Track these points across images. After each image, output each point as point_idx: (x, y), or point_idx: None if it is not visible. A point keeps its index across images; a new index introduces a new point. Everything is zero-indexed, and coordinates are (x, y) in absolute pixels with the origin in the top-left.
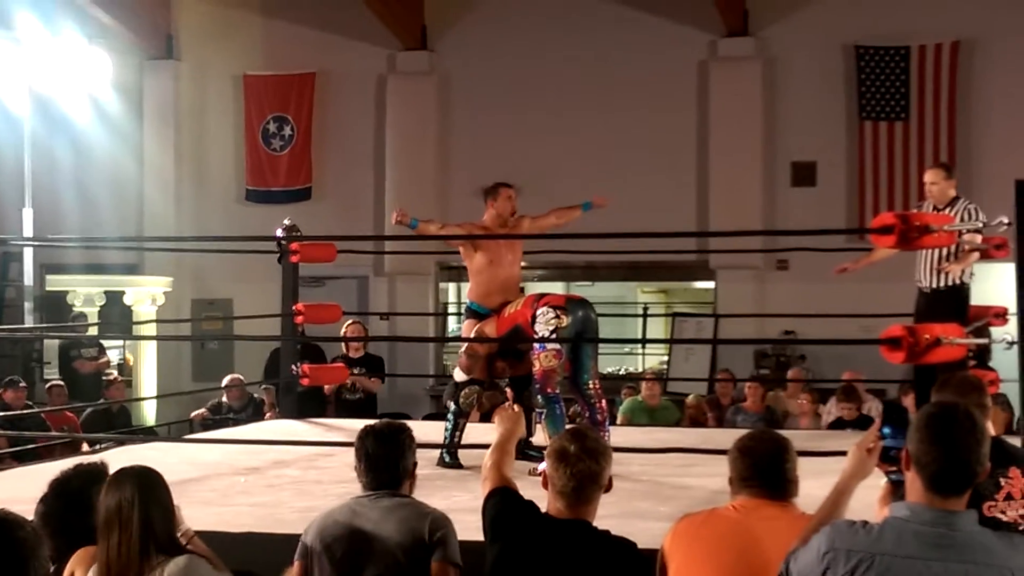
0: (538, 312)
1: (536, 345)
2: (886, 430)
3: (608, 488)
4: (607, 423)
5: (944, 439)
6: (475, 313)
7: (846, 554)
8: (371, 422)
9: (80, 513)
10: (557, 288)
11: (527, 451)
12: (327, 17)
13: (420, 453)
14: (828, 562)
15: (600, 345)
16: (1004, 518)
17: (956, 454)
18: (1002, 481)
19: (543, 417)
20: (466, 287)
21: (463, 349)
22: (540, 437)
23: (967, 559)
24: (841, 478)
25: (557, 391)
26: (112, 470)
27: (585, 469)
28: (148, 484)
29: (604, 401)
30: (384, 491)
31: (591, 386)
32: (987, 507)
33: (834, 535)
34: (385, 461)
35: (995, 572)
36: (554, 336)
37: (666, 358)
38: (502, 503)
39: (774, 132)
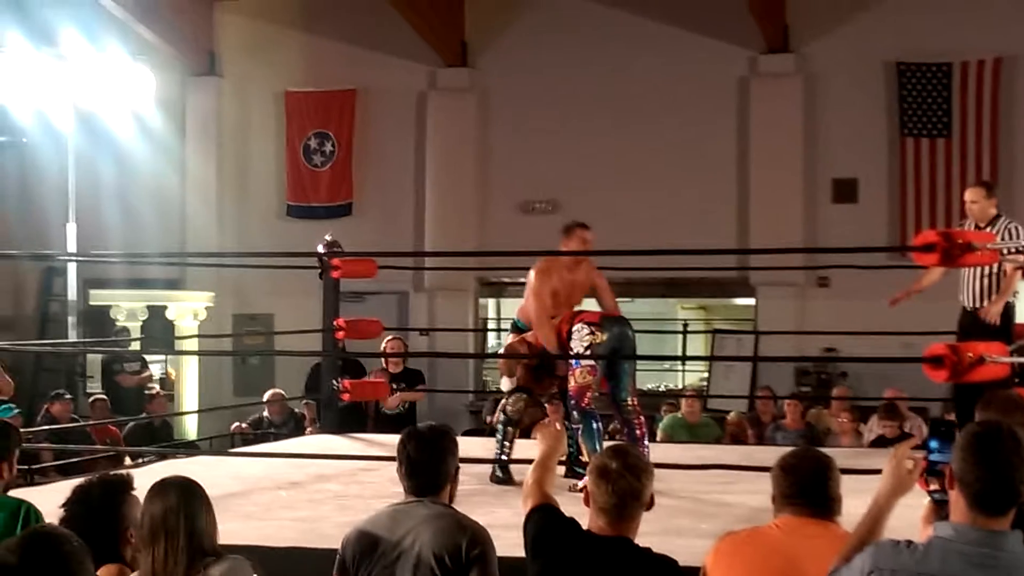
0: (573, 329)
1: (572, 362)
2: (933, 443)
3: (650, 506)
4: (646, 439)
5: (988, 458)
6: (520, 330)
7: (891, 574)
8: (415, 426)
9: (100, 522)
10: (595, 306)
11: (575, 467)
12: (368, 34)
13: (462, 468)
14: None
15: (639, 362)
16: None
17: (1000, 473)
18: None
19: (580, 433)
20: (505, 303)
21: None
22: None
23: None
24: (878, 495)
25: (593, 407)
26: (147, 483)
27: (627, 486)
28: (192, 493)
29: (643, 418)
30: (425, 497)
31: (629, 403)
32: None
33: (878, 555)
34: (427, 465)
35: None
36: (588, 352)
37: (706, 375)
38: (543, 520)
39: (815, 148)
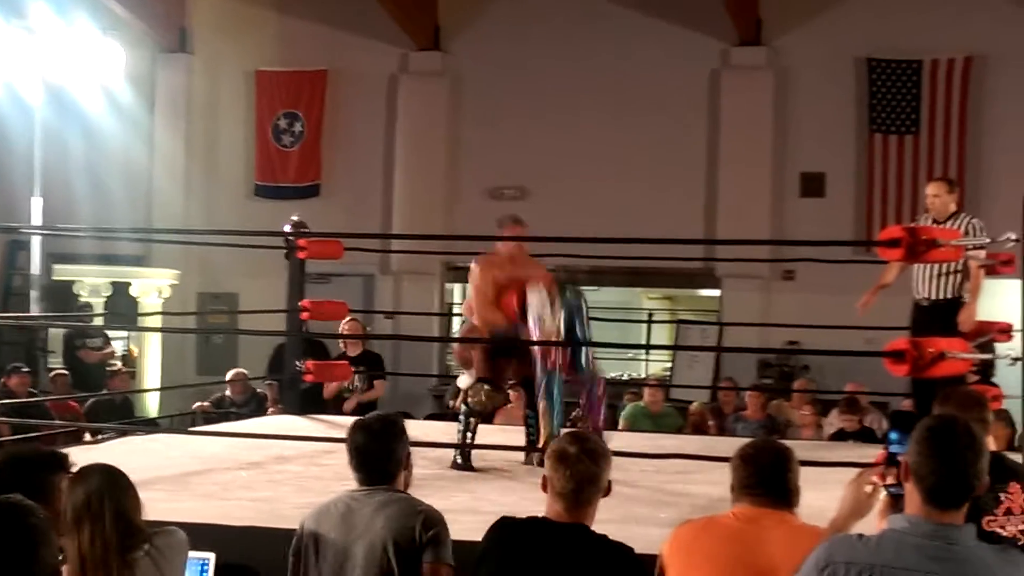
0: (528, 291)
1: (531, 323)
2: (893, 435)
3: (607, 492)
4: (604, 403)
5: (942, 453)
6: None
7: (845, 566)
8: (361, 417)
9: (31, 495)
10: None
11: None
12: (341, 15)
13: (422, 452)
14: (828, 575)
15: (604, 350)
16: (1004, 532)
17: (954, 468)
18: (1002, 496)
19: (540, 391)
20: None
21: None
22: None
23: (966, 573)
24: (836, 517)
25: (557, 365)
26: (104, 458)
27: (584, 471)
28: (114, 477)
29: (603, 382)
30: (378, 486)
31: (588, 364)
32: (986, 521)
33: (832, 548)
34: (376, 455)
35: None
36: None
37: (670, 365)
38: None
39: (784, 142)
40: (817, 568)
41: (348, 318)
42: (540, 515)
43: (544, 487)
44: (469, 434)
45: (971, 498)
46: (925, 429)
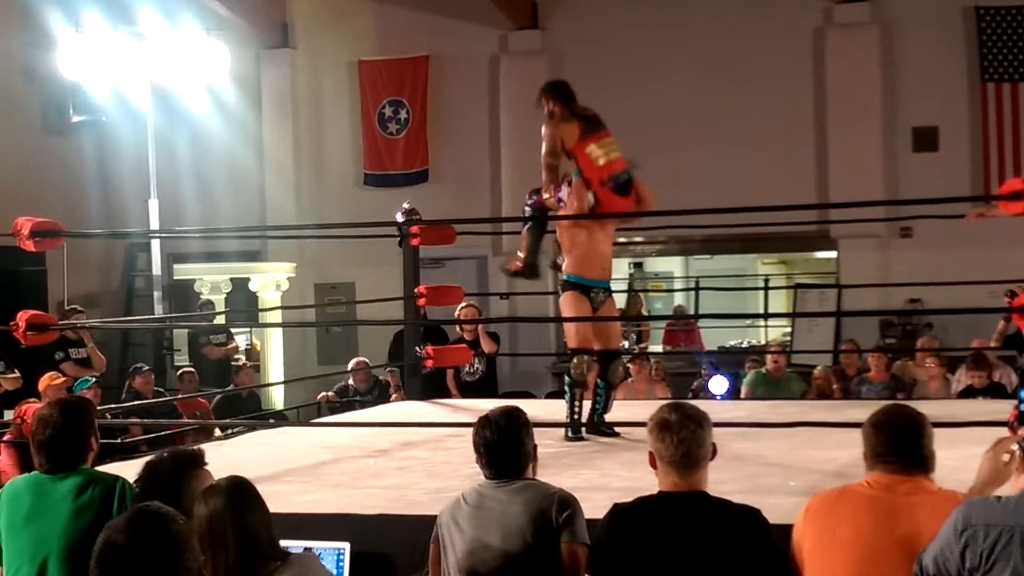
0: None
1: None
2: (1023, 392)
3: (713, 455)
4: None
5: None
6: (575, 285)
7: (984, 529)
8: (487, 411)
9: (171, 499)
10: (676, 263)
11: (601, 427)
12: (438, 0)
13: (547, 432)
14: (967, 539)
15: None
16: None
17: None
18: None
19: None
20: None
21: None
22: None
23: None
24: (975, 485)
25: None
26: (235, 454)
27: (689, 435)
28: (239, 495)
29: None
30: (507, 478)
31: None
32: None
33: (970, 511)
34: (505, 450)
35: None
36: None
37: (789, 330)
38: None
39: (894, 98)
40: (956, 531)
41: (464, 303)
42: (652, 492)
43: (652, 463)
44: (576, 404)
45: None
46: None
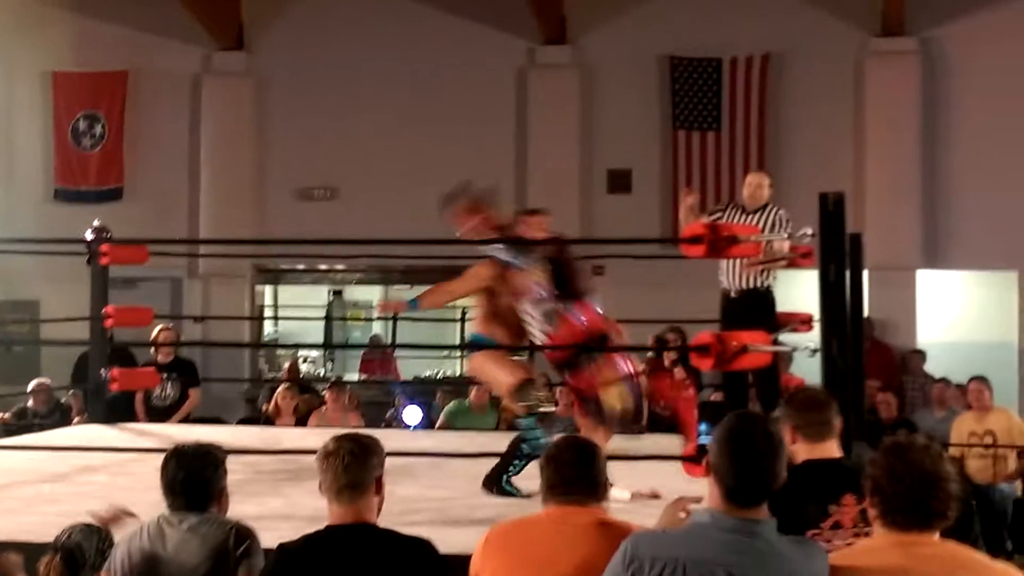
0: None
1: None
2: (702, 426)
3: (379, 489)
4: None
5: (740, 455)
6: (480, 345)
7: (651, 560)
8: (180, 442)
9: None
10: (375, 292)
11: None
12: (141, 14)
13: (236, 458)
14: (633, 571)
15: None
16: (829, 547)
17: (752, 470)
18: (831, 508)
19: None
20: (283, 290)
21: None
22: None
23: (764, 565)
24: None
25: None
26: None
27: (351, 464)
28: None
29: None
30: (191, 512)
31: None
32: (811, 535)
33: (637, 542)
34: (191, 484)
35: None
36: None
37: None
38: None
39: (591, 139)
40: (624, 563)
41: (161, 325)
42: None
43: (320, 489)
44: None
45: (769, 495)
46: (725, 430)
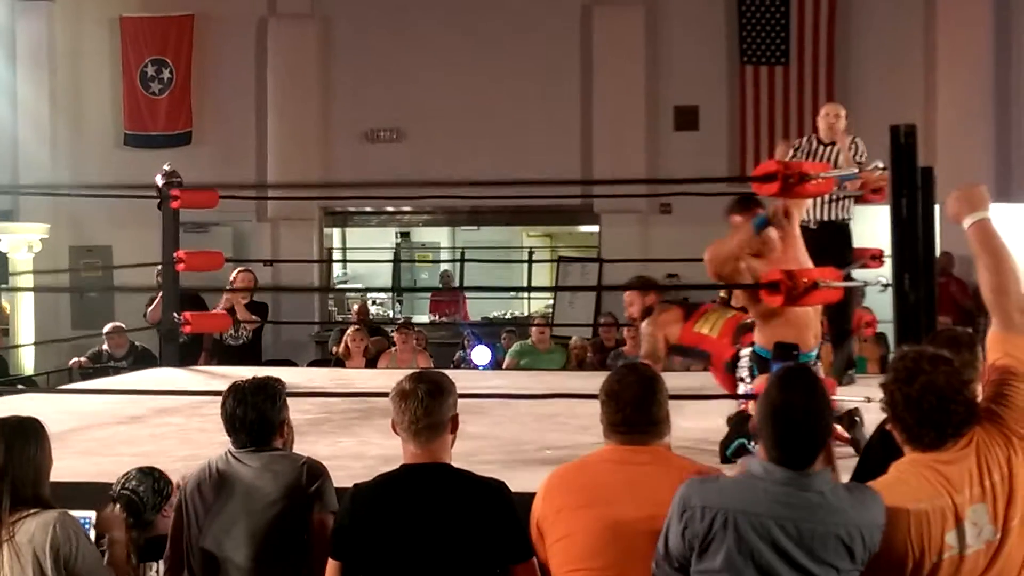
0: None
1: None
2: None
3: (454, 428)
4: None
5: (782, 426)
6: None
7: (701, 510)
8: (238, 379)
9: None
10: (442, 233)
11: None
12: None
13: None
14: (687, 520)
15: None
16: None
17: (795, 439)
18: None
19: None
20: (351, 232)
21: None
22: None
23: (816, 518)
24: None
25: None
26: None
27: (428, 405)
28: (23, 435)
29: None
30: (255, 447)
31: None
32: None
33: (689, 492)
34: (251, 419)
35: (843, 531)
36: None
37: (551, 302)
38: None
39: (657, 77)
40: (678, 512)
41: (240, 269)
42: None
43: (394, 430)
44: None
45: (820, 451)
46: (767, 401)
